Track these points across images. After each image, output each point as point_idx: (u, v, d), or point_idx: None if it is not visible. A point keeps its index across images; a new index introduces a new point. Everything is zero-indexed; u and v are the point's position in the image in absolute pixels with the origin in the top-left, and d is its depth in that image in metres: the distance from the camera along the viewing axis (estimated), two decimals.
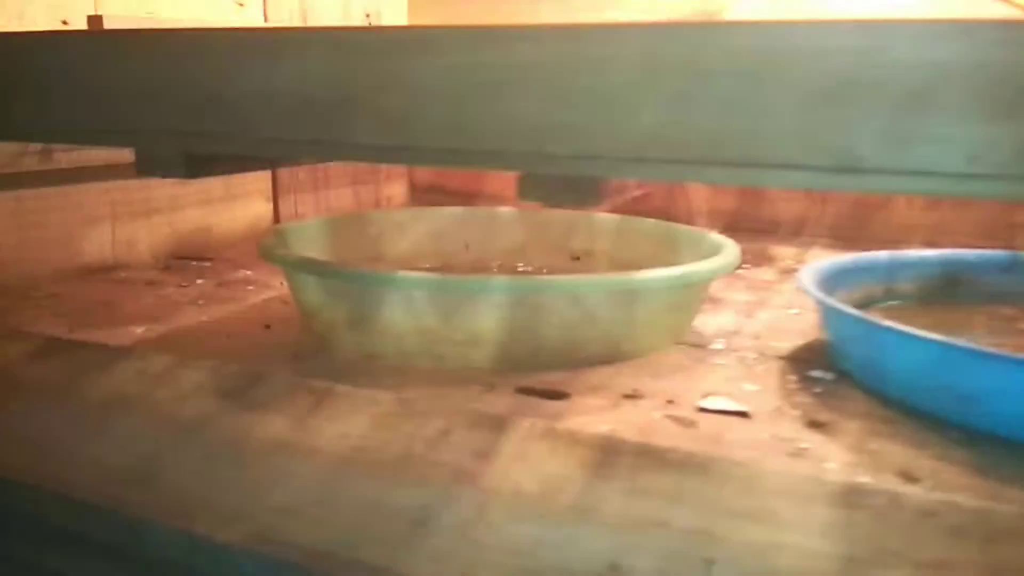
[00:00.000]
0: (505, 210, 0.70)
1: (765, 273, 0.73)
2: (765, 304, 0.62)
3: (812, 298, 0.46)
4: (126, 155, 0.70)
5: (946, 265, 0.58)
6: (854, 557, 0.27)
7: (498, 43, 0.35)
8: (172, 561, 0.33)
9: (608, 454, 0.33)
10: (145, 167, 0.46)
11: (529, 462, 0.33)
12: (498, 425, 0.35)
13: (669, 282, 0.46)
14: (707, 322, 0.56)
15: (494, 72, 0.35)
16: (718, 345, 0.51)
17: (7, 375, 0.44)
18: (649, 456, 0.32)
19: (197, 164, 0.45)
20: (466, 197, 1.06)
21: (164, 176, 0.46)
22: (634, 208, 0.67)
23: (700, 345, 0.51)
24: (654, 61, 0.32)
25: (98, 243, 0.69)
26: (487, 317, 0.44)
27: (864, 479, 0.33)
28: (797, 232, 0.91)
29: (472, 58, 0.35)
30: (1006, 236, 0.84)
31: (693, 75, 0.32)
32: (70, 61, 0.44)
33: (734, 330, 0.55)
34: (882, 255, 0.57)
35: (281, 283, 0.65)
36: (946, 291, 0.58)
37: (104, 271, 0.69)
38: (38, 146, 0.63)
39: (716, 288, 0.66)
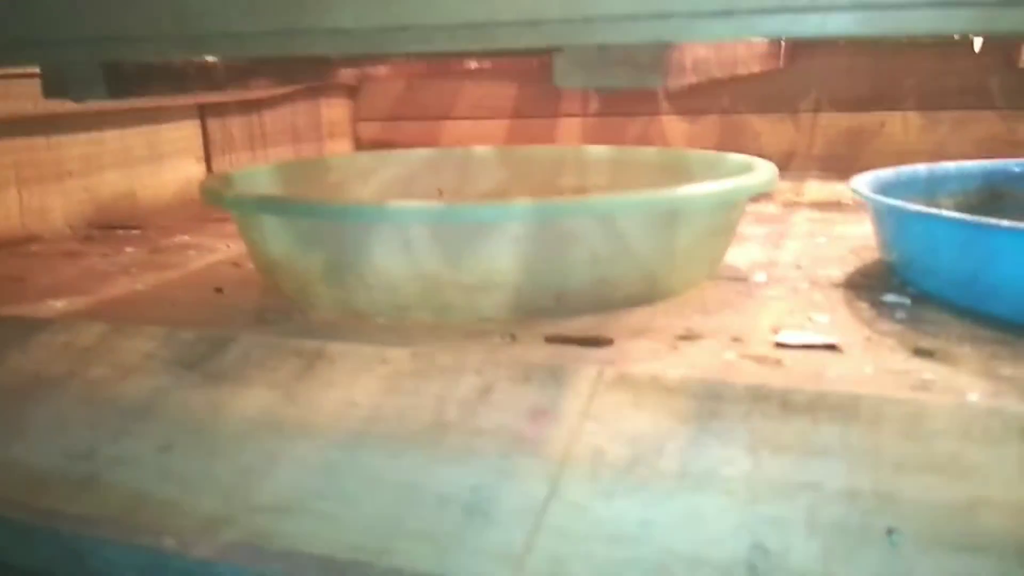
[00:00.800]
0: (481, 149, 0.62)
1: (768, 207, 0.67)
2: (785, 235, 0.55)
3: (879, 211, 0.39)
4: (30, 106, 0.60)
5: (988, 177, 0.52)
6: None
7: None
8: None
9: (710, 401, 0.25)
10: (54, 88, 0.36)
11: (607, 420, 0.25)
12: (554, 376, 0.27)
13: (714, 198, 0.38)
14: (737, 256, 0.49)
15: None
16: (760, 277, 0.44)
17: None
18: (767, 400, 0.25)
19: (121, 81, 0.35)
20: None
21: (78, 99, 0.36)
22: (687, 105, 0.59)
23: (740, 279, 0.44)
24: None
25: (3, 212, 0.58)
26: (504, 253, 0.36)
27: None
28: (785, 166, 0.84)
29: None
30: (1008, 153, 0.79)
31: None
32: None
33: (769, 261, 0.48)
34: (921, 168, 0.51)
35: (227, 246, 0.56)
36: (989, 205, 0.51)
37: (12, 244, 0.58)
38: None
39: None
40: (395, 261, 0.36)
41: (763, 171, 0.43)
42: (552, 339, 0.35)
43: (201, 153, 0.75)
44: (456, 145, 0.96)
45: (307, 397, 0.28)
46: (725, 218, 0.41)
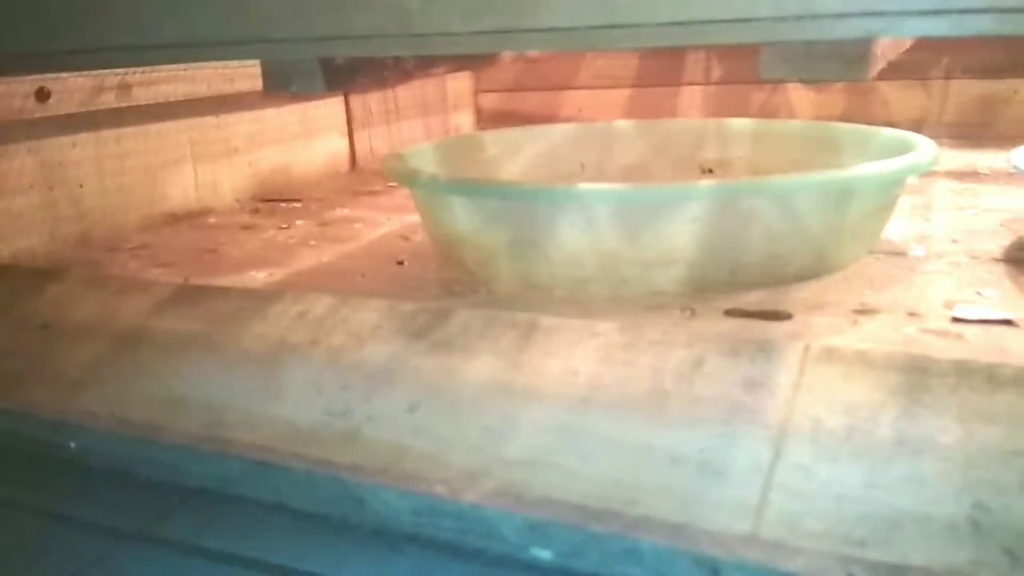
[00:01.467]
0: (623, 123, 0.64)
1: None
2: (932, 207, 0.56)
3: None
4: (203, 89, 0.64)
5: None
6: None
7: None
8: (403, 530, 0.27)
9: (917, 375, 0.27)
10: (275, 83, 0.39)
11: (819, 391, 0.27)
12: (762, 350, 0.30)
13: (885, 178, 0.40)
14: (889, 229, 0.50)
15: None
16: (918, 252, 0.45)
17: (141, 331, 0.38)
18: (973, 375, 0.27)
19: (336, 74, 0.39)
20: (539, 122, 0.99)
21: (298, 92, 0.39)
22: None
23: (899, 253, 0.45)
24: None
25: (182, 187, 0.63)
26: (683, 231, 0.38)
27: None
28: (914, 132, 0.84)
29: None
30: None
31: None
32: None
33: (923, 235, 0.49)
34: None
35: (388, 218, 0.60)
36: None
37: (191, 217, 0.63)
38: (115, 80, 0.57)
39: None
40: (577, 238, 0.39)
41: (928, 149, 0.44)
42: (732, 312, 0.37)
43: (345, 128, 0.80)
44: (576, 114, 0.98)
45: (531, 365, 0.31)
46: (890, 196, 0.43)
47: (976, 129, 0.81)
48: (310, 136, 0.75)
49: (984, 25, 0.27)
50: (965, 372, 0.27)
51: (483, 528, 0.26)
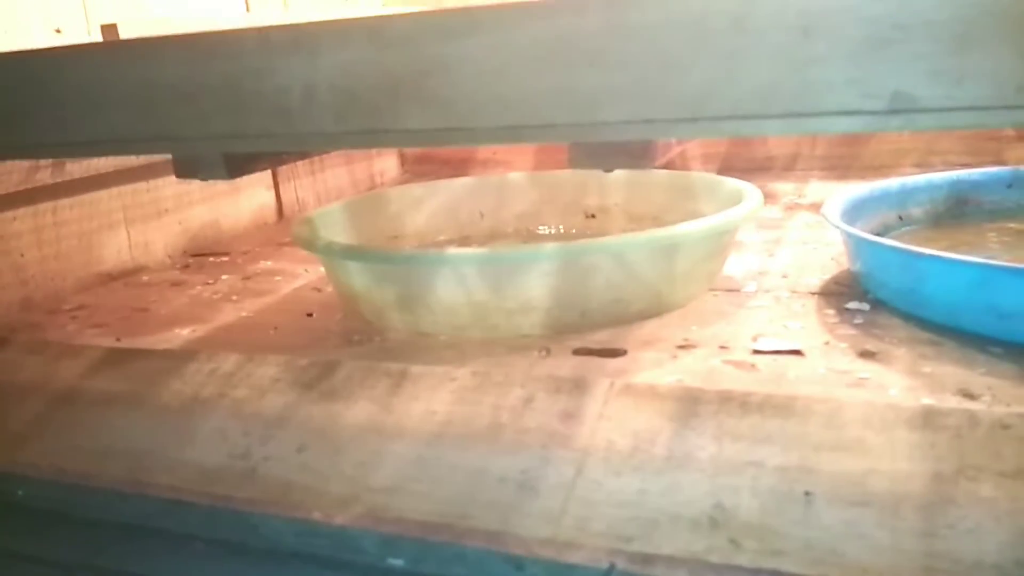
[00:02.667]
0: (515, 175, 0.71)
1: (771, 211, 0.75)
2: (781, 242, 0.64)
3: (842, 233, 0.48)
4: (133, 159, 0.71)
5: (953, 187, 0.60)
6: (940, 474, 0.29)
7: (540, 17, 0.36)
8: (288, 549, 0.34)
9: (690, 404, 0.35)
10: (185, 171, 0.46)
11: (616, 419, 0.35)
12: (578, 387, 0.37)
13: (707, 232, 0.48)
14: (734, 265, 0.58)
15: (539, 46, 0.36)
16: (751, 287, 0.53)
17: (75, 391, 0.44)
18: (730, 402, 0.34)
19: (237, 164, 0.46)
20: (457, 164, 1.07)
21: (205, 179, 0.46)
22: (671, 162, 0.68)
23: (734, 289, 0.53)
24: (702, 22, 0.33)
25: (115, 248, 0.69)
26: (537, 284, 0.45)
27: (929, 400, 0.35)
28: (789, 167, 0.93)
29: (515, 34, 0.36)
30: (993, 150, 0.87)
31: (741, 33, 0.33)
32: (95, 73, 0.44)
33: (761, 271, 0.57)
34: (893, 183, 0.59)
35: (305, 270, 0.66)
36: (956, 212, 0.60)
37: (125, 275, 0.69)
38: (49, 160, 0.63)
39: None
40: (452, 293, 0.46)
41: (749, 202, 0.52)
42: (578, 351, 0.45)
43: (271, 183, 0.86)
44: (491, 156, 1.05)
45: (399, 408, 0.38)
46: (718, 243, 0.50)
47: (844, 161, 0.91)
48: (237, 192, 0.82)
49: (733, 129, 0.34)
50: (724, 400, 0.34)
51: (350, 544, 0.33)
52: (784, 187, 0.85)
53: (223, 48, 0.42)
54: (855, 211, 0.55)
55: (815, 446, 0.32)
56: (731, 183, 0.59)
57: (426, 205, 0.69)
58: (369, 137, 0.41)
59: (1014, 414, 0.31)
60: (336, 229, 0.60)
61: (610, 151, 0.38)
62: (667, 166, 0.72)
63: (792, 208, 0.76)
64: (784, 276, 0.55)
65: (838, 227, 0.48)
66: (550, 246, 0.44)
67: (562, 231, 0.69)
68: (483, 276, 0.45)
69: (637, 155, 0.38)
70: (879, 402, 0.33)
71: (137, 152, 0.56)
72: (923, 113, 0.31)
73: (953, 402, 0.35)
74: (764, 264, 0.58)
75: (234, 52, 0.41)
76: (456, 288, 0.46)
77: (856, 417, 0.32)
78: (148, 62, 0.44)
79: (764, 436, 0.32)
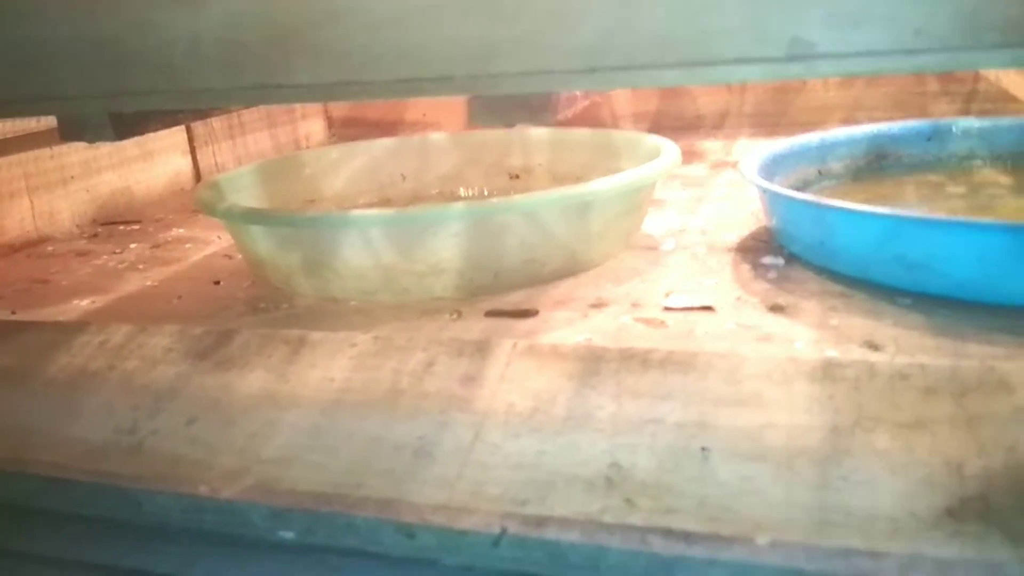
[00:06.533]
0: (438, 135, 0.70)
1: (697, 169, 0.75)
2: (703, 199, 0.64)
3: (757, 188, 0.48)
4: (35, 124, 0.67)
5: (872, 140, 0.60)
6: (837, 426, 0.29)
7: None
8: (175, 526, 0.33)
9: (592, 362, 0.34)
10: (70, 133, 0.43)
11: (517, 381, 0.34)
12: (480, 349, 0.36)
13: (620, 189, 0.47)
14: (654, 223, 0.57)
15: None
16: (669, 245, 0.53)
17: None
18: (632, 359, 0.33)
19: (125, 125, 0.43)
20: (386, 127, 1.04)
21: (91, 141, 0.43)
22: (582, 118, 0.67)
23: (652, 247, 0.53)
24: None
25: (18, 218, 0.66)
26: (447, 246, 0.44)
27: (832, 353, 0.35)
28: (719, 125, 0.93)
29: None
30: (918, 104, 0.87)
31: None
32: None
33: (681, 228, 0.56)
34: (813, 137, 0.59)
35: (219, 237, 0.64)
36: (875, 166, 0.60)
37: (29, 246, 0.66)
38: None
39: (656, 189, 0.67)
40: (359, 256, 0.45)
41: (663, 159, 0.51)
42: (491, 313, 0.44)
43: (187, 147, 0.83)
44: (420, 118, 1.03)
45: (295, 376, 0.36)
46: (632, 200, 0.49)
47: (772, 118, 0.90)
48: (150, 157, 0.78)
49: (630, 80, 0.33)
50: (626, 358, 0.33)
51: (238, 519, 0.31)
52: (712, 145, 0.84)
53: (104, 1, 0.39)
54: (774, 166, 0.55)
55: (714, 401, 0.31)
56: (651, 140, 0.58)
57: (345, 167, 0.66)
58: (260, 93, 0.38)
59: (914, 364, 0.31)
60: (246, 193, 0.58)
61: (510, 105, 0.36)
62: (595, 124, 0.71)
63: (718, 166, 0.76)
64: (703, 233, 0.55)
65: (749, 180, 0.48)
66: (458, 206, 0.43)
67: (485, 192, 0.67)
68: (390, 238, 0.44)
69: (538, 109, 0.36)
70: (780, 356, 0.33)
71: (18, 114, 0.53)
72: (821, 59, 0.30)
73: (857, 354, 0.35)
74: (685, 222, 0.58)
75: (115, 4, 0.39)
76: (363, 251, 0.44)
77: (756, 372, 0.32)
78: (26, 18, 0.41)
79: (664, 393, 0.32)
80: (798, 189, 0.57)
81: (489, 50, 0.33)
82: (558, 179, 0.65)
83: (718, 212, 0.59)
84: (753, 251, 0.50)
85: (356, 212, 0.44)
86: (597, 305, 0.44)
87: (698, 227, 0.56)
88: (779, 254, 0.48)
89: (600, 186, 0.46)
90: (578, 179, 0.63)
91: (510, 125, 0.37)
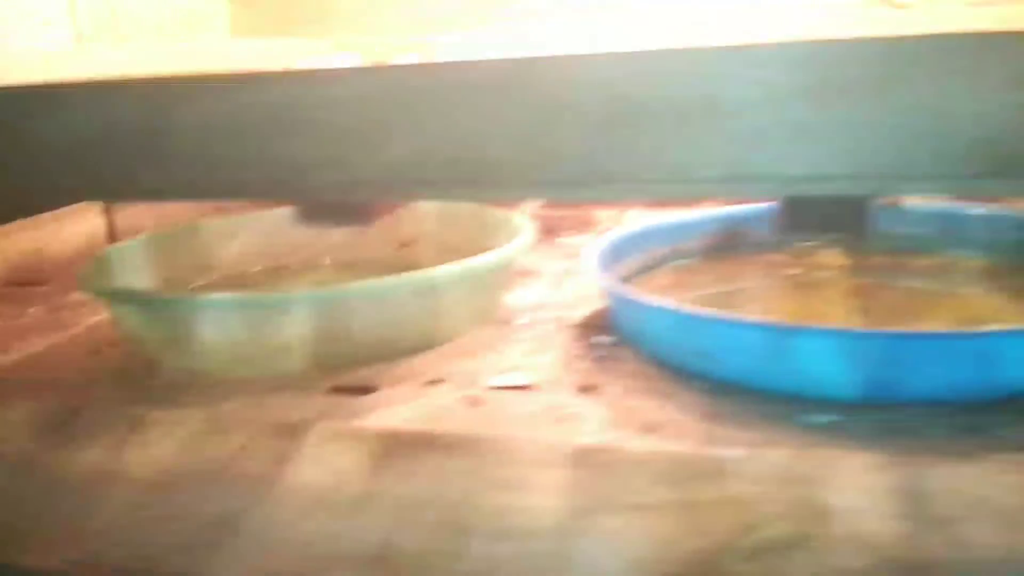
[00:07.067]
0: None
1: (584, 239, 0.79)
2: (573, 272, 0.68)
3: (590, 273, 0.52)
4: None
5: (725, 221, 0.65)
6: (577, 508, 0.33)
7: (261, 88, 0.38)
8: None
9: (389, 445, 0.38)
10: None
11: (321, 462, 0.38)
12: (294, 432, 0.39)
13: (465, 274, 0.51)
14: (519, 296, 0.61)
15: (253, 113, 0.38)
16: (524, 320, 0.57)
17: None
18: (423, 443, 0.37)
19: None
20: None
21: None
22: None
23: (507, 322, 0.57)
24: (402, 96, 0.36)
25: None
26: (295, 326, 0.48)
27: (609, 435, 0.39)
28: None
29: (224, 104, 0.38)
30: None
31: (433, 110, 0.36)
32: None
33: (541, 303, 0.60)
34: (670, 217, 0.64)
35: None
36: (725, 245, 0.65)
37: None
38: None
39: (535, 260, 0.71)
40: (214, 335, 0.48)
41: (519, 239, 0.55)
42: (334, 389, 0.47)
43: (102, 206, 0.86)
44: None
45: (129, 454, 0.40)
46: (480, 282, 0.54)
47: None
48: (61, 218, 0.82)
49: (429, 193, 0.37)
50: (417, 442, 0.37)
51: None
52: (606, 214, 0.89)
53: None
54: (629, 245, 0.60)
55: (486, 484, 0.35)
56: (517, 220, 0.62)
57: (240, 237, 0.70)
58: (110, 192, 0.42)
59: (654, 451, 0.35)
60: (136, 265, 0.62)
61: (332, 210, 0.41)
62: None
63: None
64: (559, 308, 0.59)
65: (587, 268, 0.52)
66: (303, 292, 0.47)
67: (375, 261, 0.71)
68: (242, 319, 0.48)
69: (360, 214, 0.41)
70: (548, 440, 0.37)
71: None
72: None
73: (631, 436, 0.39)
74: (547, 295, 0.62)
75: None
76: (217, 330, 0.48)
77: (525, 457, 0.36)
78: None
79: (444, 475, 0.35)
80: (649, 268, 0.62)
81: (307, 164, 0.38)
82: (445, 250, 0.69)
83: (581, 286, 0.64)
84: (593, 328, 0.54)
85: (208, 296, 0.48)
86: (434, 382, 0.48)
87: (558, 301, 0.60)
88: (612, 333, 0.52)
89: (443, 272, 0.50)
90: (458, 252, 0.67)
91: (336, 227, 0.41)
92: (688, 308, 0.43)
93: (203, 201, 0.60)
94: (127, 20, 0.91)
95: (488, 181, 0.36)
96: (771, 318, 0.51)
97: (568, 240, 0.78)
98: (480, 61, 0.36)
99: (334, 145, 0.37)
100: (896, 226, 0.64)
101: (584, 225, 0.84)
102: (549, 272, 0.68)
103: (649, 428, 0.40)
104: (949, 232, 0.62)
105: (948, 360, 0.38)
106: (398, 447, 0.37)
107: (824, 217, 0.34)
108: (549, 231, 0.81)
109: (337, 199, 0.39)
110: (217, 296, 0.48)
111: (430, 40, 0.86)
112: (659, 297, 0.45)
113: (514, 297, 0.61)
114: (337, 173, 0.38)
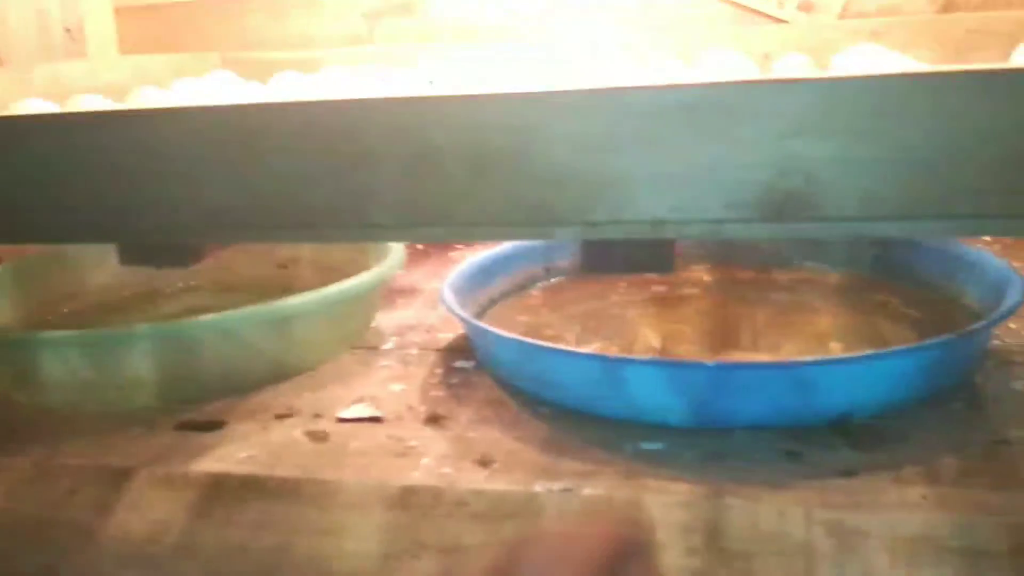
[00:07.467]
0: None
1: (476, 255, 0.79)
2: None
3: (443, 298, 0.52)
4: None
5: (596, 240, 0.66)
6: (390, 553, 0.33)
7: (83, 129, 0.38)
8: None
9: (214, 491, 0.37)
10: None
11: (142, 510, 0.37)
12: (119, 478, 0.39)
13: (320, 303, 0.51)
14: (391, 319, 0.61)
15: (77, 154, 0.37)
16: (389, 345, 0.57)
17: None
18: (247, 488, 0.37)
19: None
20: None
21: None
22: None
23: (373, 347, 0.56)
24: (219, 138, 0.35)
25: None
26: (141, 362, 0.47)
27: (443, 471, 0.39)
28: None
29: (62, 142, 0.37)
30: None
31: (249, 153, 0.35)
32: None
33: (412, 325, 0.60)
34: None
35: None
36: None
37: None
38: None
39: (418, 278, 0.71)
40: (59, 372, 0.47)
41: (382, 266, 0.55)
42: (180, 425, 0.47)
43: None
44: None
45: None
46: (338, 311, 0.53)
47: None
48: None
49: (248, 236, 0.37)
50: (242, 486, 0.37)
51: None
52: None
53: None
54: (497, 268, 0.60)
55: (304, 530, 0.35)
56: (393, 245, 0.62)
57: (112, 260, 0.69)
58: None
59: (474, 491, 0.35)
60: (3, 292, 0.60)
61: (157, 252, 0.40)
62: None
63: None
64: (428, 331, 0.59)
65: (442, 297, 0.52)
66: (144, 327, 0.46)
67: (254, 282, 0.70)
68: (86, 355, 0.47)
69: (181, 253, 0.40)
70: (375, 480, 0.37)
71: None
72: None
73: (466, 469, 0.39)
74: (421, 316, 0.62)
75: None
76: (61, 367, 0.47)
77: (347, 500, 0.36)
78: None
79: (263, 521, 0.35)
80: (523, 287, 0.63)
81: (131, 207, 0.37)
82: (322, 270, 0.69)
83: None
84: (455, 352, 0.54)
85: (48, 333, 0.47)
86: (284, 416, 0.47)
87: (430, 323, 0.60)
88: (472, 357, 0.53)
89: (293, 303, 0.50)
90: (336, 272, 0.67)
91: (159, 267, 0.40)
92: (528, 339, 0.43)
93: (26, 244, 0.58)
94: (6, 42, 0.88)
95: (303, 224, 0.36)
96: (625, 341, 0.52)
97: (460, 255, 0.78)
98: (293, 103, 0.36)
99: (154, 187, 0.37)
100: (763, 240, 0.66)
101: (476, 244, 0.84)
102: (428, 291, 0.68)
103: (484, 462, 0.40)
104: (811, 247, 0.64)
105: (768, 388, 0.39)
106: (222, 493, 0.37)
107: (626, 257, 0.34)
108: (444, 246, 0.81)
109: (158, 242, 0.38)
110: (57, 333, 0.47)
111: (316, 56, 0.85)
112: (506, 326, 0.45)
113: (387, 319, 0.61)
114: (157, 216, 0.37)
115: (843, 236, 0.31)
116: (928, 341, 0.40)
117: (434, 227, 0.34)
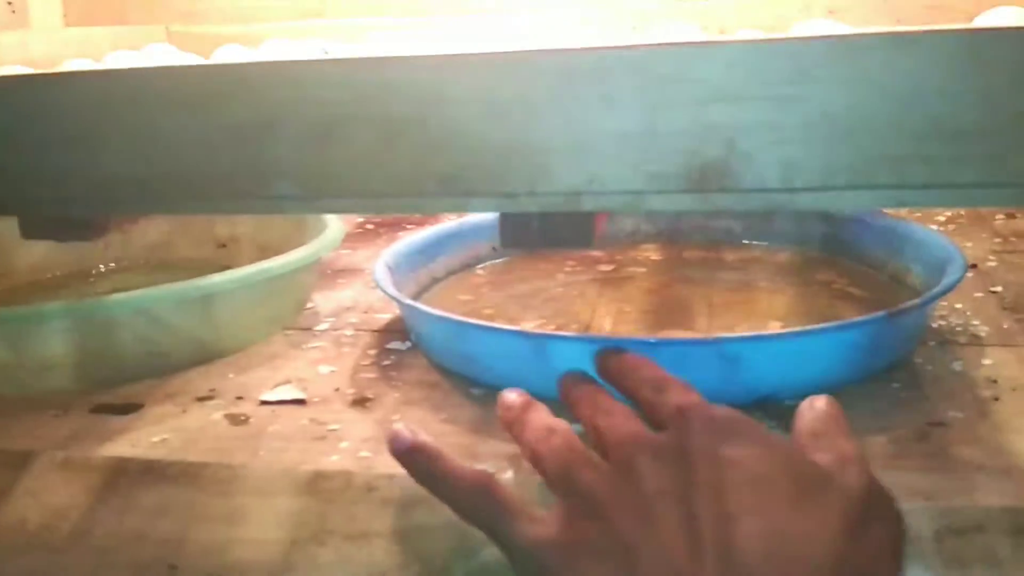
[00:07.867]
0: None
1: (416, 233, 0.77)
2: None
3: (376, 276, 0.50)
4: None
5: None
6: (297, 540, 0.32)
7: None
8: None
9: (114, 477, 0.35)
10: None
11: (40, 495, 0.35)
12: (20, 462, 0.37)
13: (244, 282, 0.49)
14: (329, 299, 0.59)
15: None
16: (323, 326, 0.55)
17: None
18: (150, 473, 0.35)
19: None
20: None
21: None
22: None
23: (307, 328, 0.55)
24: (115, 105, 0.33)
25: None
26: (55, 343, 0.45)
27: (360, 455, 0.38)
28: None
29: None
30: None
31: (145, 120, 0.33)
32: None
33: (350, 305, 0.58)
34: (489, 217, 0.62)
35: None
36: None
37: None
38: None
39: (361, 258, 0.69)
40: None
41: (314, 244, 0.53)
42: (97, 408, 0.45)
43: None
44: None
45: None
46: (267, 290, 0.51)
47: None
48: None
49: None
50: (144, 471, 0.35)
51: None
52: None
53: None
54: (444, 243, 0.59)
55: (202, 517, 0.33)
56: (332, 220, 0.60)
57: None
58: None
59: (384, 476, 0.34)
60: None
61: (59, 225, 0.38)
62: None
63: None
64: (365, 311, 0.57)
65: (376, 276, 0.50)
66: (57, 305, 0.44)
67: (191, 262, 0.68)
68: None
69: (84, 227, 0.38)
70: (283, 465, 0.35)
71: None
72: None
73: (376, 456, 0.37)
74: (359, 296, 0.60)
75: None
76: None
77: (252, 487, 0.34)
78: None
79: (162, 508, 0.34)
80: (470, 266, 0.61)
81: (30, 177, 0.35)
82: (261, 249, 0.66)
83: None
84: (393, 333, 0.53)
85: None
86: (204, 398, 0.45)
87: (368, 303, 0.58)
88: (407, 338, 0.51)
89: (217, 280, 0.48)
90: (276, 250, 0.65)
91: (64, 240, 0.38)
92: (453, 316, 0.42)
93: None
94: None
95: (203, 196, 0.34)
96: (564, 320, 0.50)
97: (411, 233, 0.76)
98: (192, 66, 0.34)
99: (49, 157, 0.34)
100: (713, 219, 0.64)
101: (434, 218, 0.82)
102: (370, 271, 0.66)
103: None
104: (761, 225, 0.63)
105: (694, 365, 0.37)
106: (122, 478, 0.35)
107: (544, 232, 0.33)
108: (394, 224, 0.80)
109: (56, 214, 0.36)
110: None
111: (264, 29, 0.83)
112: (446, 305, 0.43)
113: (324, 299, 0.59)
114: (53, 187, 0.35)
115: (764, 207, 0.30)
116: (856, 319, 0.39)
117: (341, 198, 0.33)
